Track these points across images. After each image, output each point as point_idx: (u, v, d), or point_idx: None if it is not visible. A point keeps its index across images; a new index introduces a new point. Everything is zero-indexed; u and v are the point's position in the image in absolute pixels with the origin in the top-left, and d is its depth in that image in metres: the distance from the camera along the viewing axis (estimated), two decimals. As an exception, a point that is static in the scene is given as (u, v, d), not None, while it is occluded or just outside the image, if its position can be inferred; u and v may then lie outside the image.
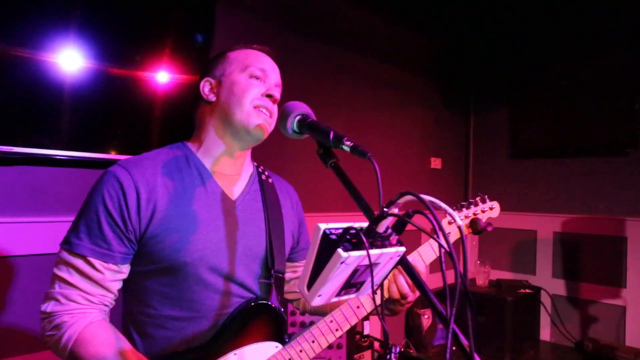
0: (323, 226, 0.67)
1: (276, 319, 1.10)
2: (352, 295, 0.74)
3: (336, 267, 0.64)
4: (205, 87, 1.12)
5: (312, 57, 2.77)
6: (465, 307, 0.68)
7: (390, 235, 0.70)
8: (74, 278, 0.96)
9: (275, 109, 1.12)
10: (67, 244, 0.98)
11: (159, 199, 1.00)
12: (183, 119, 1.95)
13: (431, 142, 3.74)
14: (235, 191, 1.14)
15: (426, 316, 3.35)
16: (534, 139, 3.66)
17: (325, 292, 0.68)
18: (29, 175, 1.72)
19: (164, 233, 1.00)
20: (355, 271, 0.68)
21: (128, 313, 1.08)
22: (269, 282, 1.14)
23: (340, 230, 0.67)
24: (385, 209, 0.68)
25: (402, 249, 0.72)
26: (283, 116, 0.93)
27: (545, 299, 3.46)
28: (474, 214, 1.27)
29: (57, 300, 0.96)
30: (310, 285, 0.67)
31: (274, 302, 1.13)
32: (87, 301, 0.97)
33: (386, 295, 1.11)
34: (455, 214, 0.65)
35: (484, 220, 1.27)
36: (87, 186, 1.78)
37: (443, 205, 0.66)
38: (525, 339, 3.32)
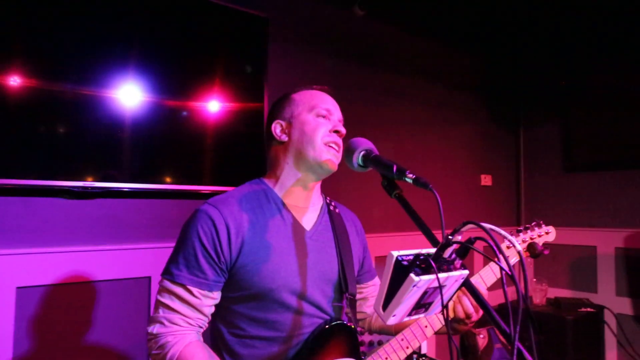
0: (395, 253, 0.76)
1: (352, 337, 1.22)
2: (422, 315, 0.83)
3: (409, 290, 0.73)
4: (277, 129, 1.26)
5: (359, 80, 2.90)
6: (527, 326, 0.75)
7: (454, 259, 0.79)
8: (175, 304, 1.11)
9: (341, 142, 1.25)
10: (169, 274, 1.13)
11: (246, 233, 1.15)
12: (234, 145, 2.13)
13: (480, 159, 3.75)
14: (309, 222, 1.28)
15: (482, 336, 3.33)
16: (588, 152, 3.60)
17: (399, 312, 0.77)
18: (103, 207, 1.92)
19: (251, 263, 1.14)
20: (424, 293, 0.77)
21: (218, 333, 1.23)
22: (341, 305, 1.27)
23: (411, 257, 0.77)
24: (449, 237, 0.77)
25: (466, 272, 0.80)
26: (349, 152, 1.05)
27: (609, 318, 3.36)
28: (531, 238, 1.35)
29: (161, 323, 1.11)
30: (385, 306, 0.77)
31: (348, 322, 1.24)
32: (187, 324, 1.12)
33: (452, 315, 1.22)
34: (513, 239, 0.73)
35: (540, 244, 1.33)
36: (151, 216, 1.99)
37: (502, 232, 0.75)
38: (590, 360, 3.23)
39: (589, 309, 3.24)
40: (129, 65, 1.88)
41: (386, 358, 1.20)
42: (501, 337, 3.37)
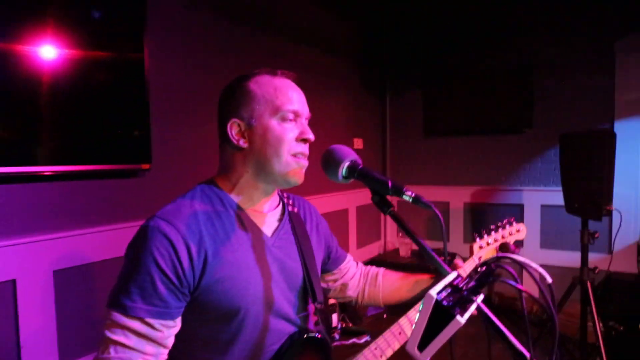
0: (434, 293, 0.71)
1: (324, 349, 1.16)
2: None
3: (453, 331, 0.70)
4: (233, 129, 1.06)
5: (233, 40, 2.66)
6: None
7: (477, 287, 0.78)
8: (132, 340, 0.93)
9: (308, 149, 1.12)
10: (119, 307, 0.93)
11: (208, 248, 0.99)
12: (77, 102, 1.74)
13: (353, 124, 3.88)
14: (269, 228, 1.14)
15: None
16: (444, 119, 4.00)
17: (435, 350, 0.73)
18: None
19: (217, 282, 0.99)
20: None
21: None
22: (307, 314, 1.18)
23: (446, 293, 0.73)
24: (480, 268, 0.75)
25: (482, 296, 0.80)
26: (333, 164, 0.95)
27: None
28: (502, 237, 1.36)
29: None
30: (422, 347, 0.72)
31: (318, 332, 1.17)
32: None
33: None
34: (545, 273, 0.74)
35: (512, 242, 1.35)
36: None
37: (534, 264, 0.75)
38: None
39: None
40: None
41: None
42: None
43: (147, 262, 0.93)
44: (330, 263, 1.36)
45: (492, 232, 1.35)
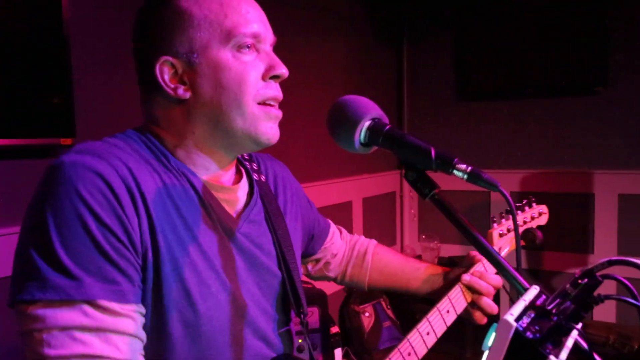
0: (511, 320, 0.63)
1: None
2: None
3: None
4: (165, 73, 0.97)
5: None
6: None
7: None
8: (94, 345, 0.78)
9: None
10: (54, 289, 0.77)
11: (152, 204, 0.90)
12: None
13: (356, 80, 3.81)
14: (237, 208, 1.10)
15: (367, 314, 3.51)
16: (485, 76, 3.92)
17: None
18: None
19: (166, 268, 0.90)
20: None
21: None
22: (289, 329, 1.16)
23: (528, 320, 0.65)
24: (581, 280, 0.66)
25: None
26: (346, 123, 0.90)
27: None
28: (524, 222, 1.40)
29: None
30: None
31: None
32: None
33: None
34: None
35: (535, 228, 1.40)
36: None
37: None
38: (488, 324, 3.69)
39: (486, 268, 3.64)
40: None
41: None
42: (390, 313, 3.61)
43: (80, 212, 0.80)
44: (314, 243, 1.38)
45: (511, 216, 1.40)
